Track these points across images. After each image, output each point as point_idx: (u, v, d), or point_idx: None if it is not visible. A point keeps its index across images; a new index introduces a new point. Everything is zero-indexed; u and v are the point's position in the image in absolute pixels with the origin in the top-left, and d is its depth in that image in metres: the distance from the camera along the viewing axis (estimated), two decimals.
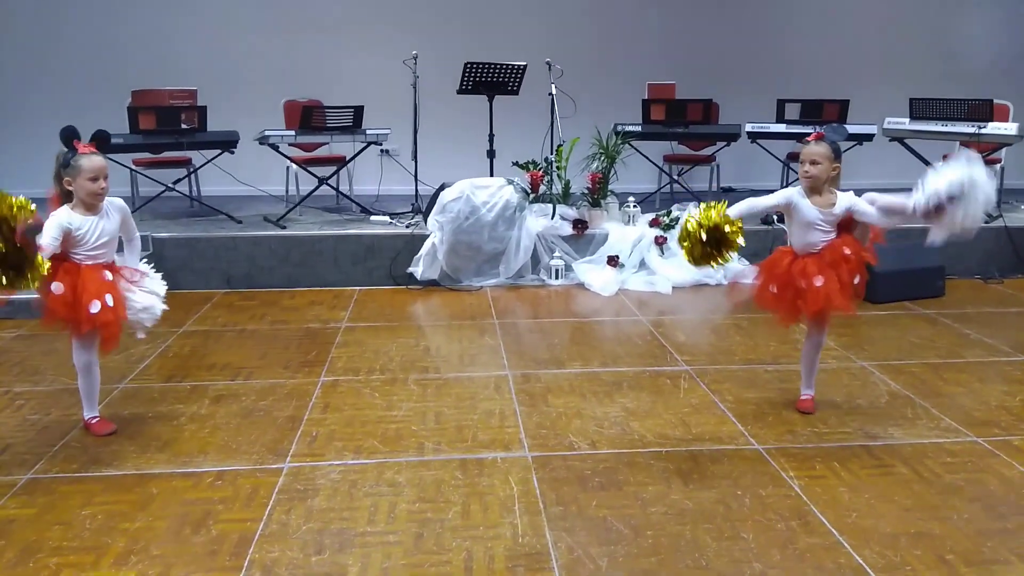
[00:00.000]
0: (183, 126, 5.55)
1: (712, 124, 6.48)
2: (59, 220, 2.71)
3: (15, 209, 2.34)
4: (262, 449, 2.88)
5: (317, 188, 6.06)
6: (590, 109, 5.96)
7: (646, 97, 6.82)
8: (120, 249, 2.97)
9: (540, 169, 5.64)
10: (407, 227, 5.49)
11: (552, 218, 5.52)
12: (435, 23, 7.39)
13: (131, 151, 5.74)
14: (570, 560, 2.20)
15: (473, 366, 3.79)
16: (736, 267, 5.45)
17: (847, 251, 2.91)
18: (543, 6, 7.63)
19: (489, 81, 5.92)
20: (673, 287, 5.24)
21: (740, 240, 2.84)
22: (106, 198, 2.83)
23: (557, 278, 5.40)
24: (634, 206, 5.79)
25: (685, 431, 3.04)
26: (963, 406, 3.29)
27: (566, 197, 5.71)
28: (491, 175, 5.85)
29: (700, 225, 2.81)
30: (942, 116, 5.91)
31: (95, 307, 2.71)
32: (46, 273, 2.49)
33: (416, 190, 6.00)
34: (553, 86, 5.77)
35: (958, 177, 2.73)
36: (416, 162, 5.93)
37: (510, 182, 5.51)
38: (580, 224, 5.54)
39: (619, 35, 7.74)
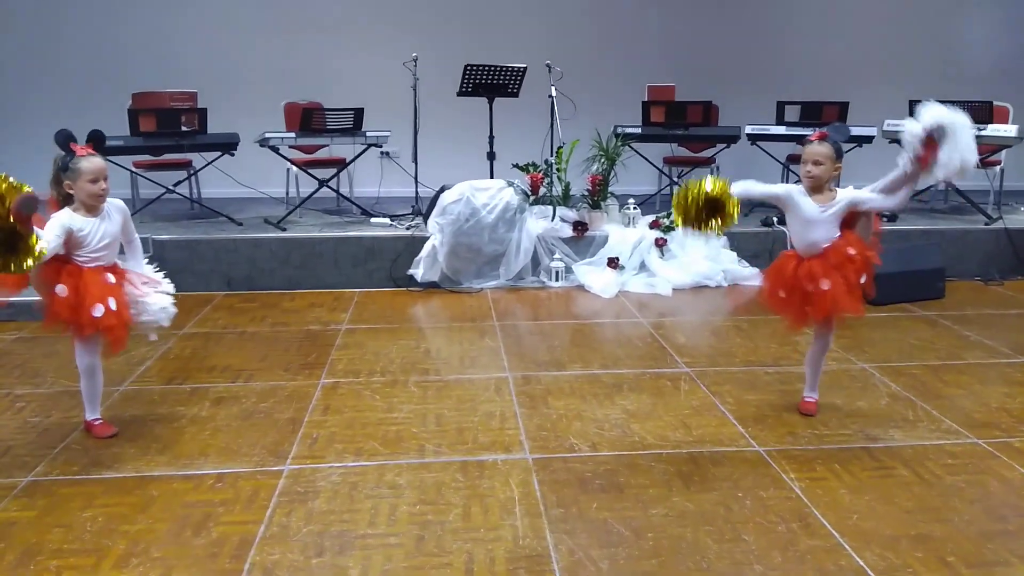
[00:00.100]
0: (183, 128, 5.55)
1: (712, 126, 6.48)
2: (61, 220, 2.71)
3: (5, 187, 2.33)
4: (263, 451, 2.88)
5: (317, 190, 6.06)
6: (590, 111, 5.97)
7: (646, 99, 6.83)
8: (120, 251, 2.97)
9: (540, 171, 5.64)
10: (407, 229, 5.50)
11: (552, 220, 5.52)
12: (435, 25, 7.40)
13: (131, 153, 5.75)
14: (571, 562, 2.20)
15: (473, 368, 3.79)
16: (737, 269, 5.49)
17: (851, 251, 2.90)
18: (543, 8, 7.64)
19: (489, 83, 5.93)
20: (673, 289, 5.24)
21: (735, 218, 2.89)
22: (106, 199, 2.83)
23: (557, 280, 5.40)
24: (634, 208, 5.80)
25: (686, 433, 3.04)
26: (964, 408, 3.29)
27: (566, 199, 5.71)
28: (491, 177, 5.85)
29: (702, 192, 2.82)
30: None
31: (98, 311, 2.71)
32: (38, 254, 2.44)
33: (416, 192, 6.00)
34: (553, 88, 5.77)
35: (932, 117, 2.75)
36: (416, 164, 5.94)
37: (510, 184, 5.52)
38: (580, 226, 5.54)
39: (619, 37, 7.75)
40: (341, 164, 6.31)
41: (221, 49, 7.23)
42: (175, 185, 5.94)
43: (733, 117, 6.72)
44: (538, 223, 5.48)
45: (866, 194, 2.92)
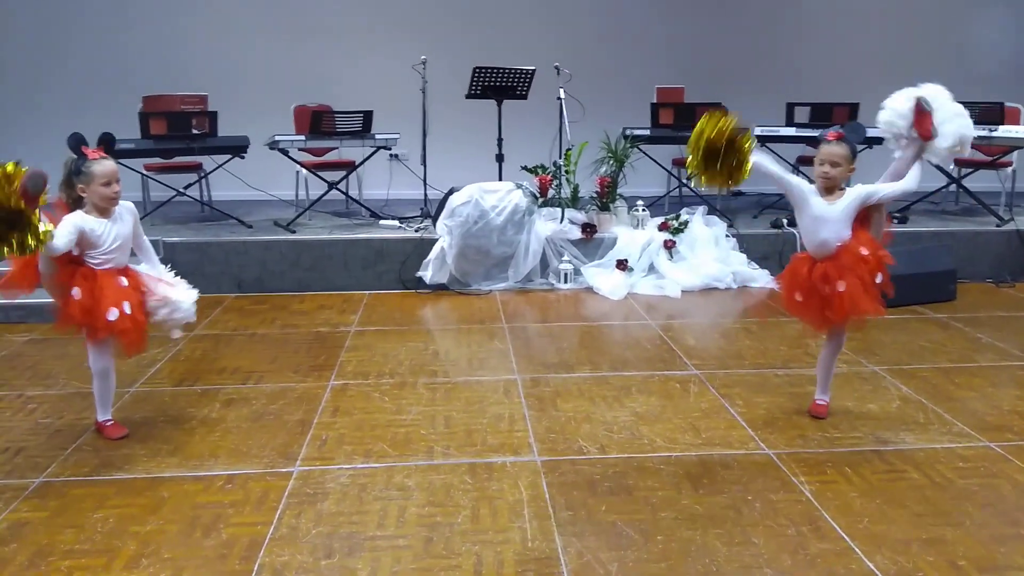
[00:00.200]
0: (194, 131, 5.59)
1: None
2: (74, 220, 2.73)
3: (11, 169, 2.35)
4: (272, 453, 2.89)
5: (327, 193, 6.09)
6: (599, 113, 5.96)
7: (655, 101, 6.82)
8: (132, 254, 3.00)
9: (549, 173, 5.64)
10: (416, 231, 5.50)
11: (561, 222, 5.52)
12: (444, 28, 7.42)
13: (142, 156, 5.78)
14: (580, 565, 2.20)
15: (482, 370, 3.79)
16: (746, 271, 5.47)
17: (864, 251, 2.88)
18: (551, 10, 7.64)
19: (498, 85, 5.94)
20: (682, 291, 5.23)
21: (746, 172, 2.81)
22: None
23: (566, 282, 5.40)
24: (643, 210, 5.79)
25: (695, 436, 3.04)
26: (975, 411, 3.27)
27: (575, 201, 5.71)
28: (500, 179, 5.86)
29: (723, 131, 2.82)
30: None
31: (113, 314, 2.73)
32: (43, 234, 2.45)
33: (425, 194, 6.01)
34: (562, 90, 5.77)
35: (909, 93, 2.92)
36: (425, 166, 5.95)
37: (519, 186, 5.52)
38: (589, 228, 5.54)
39: (627, 39, 7.75)
40: (350, 167, 6.33)
41: (231, 52, 7.27)
42: (186, 188, 5.97)
43: (742, 118, 6.69)
44: (547, 225, 5.48)
45: (878, 186, 2.92)
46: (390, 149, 6.16)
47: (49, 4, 7.15)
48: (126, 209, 2.89)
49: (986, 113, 5.75)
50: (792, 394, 3.45)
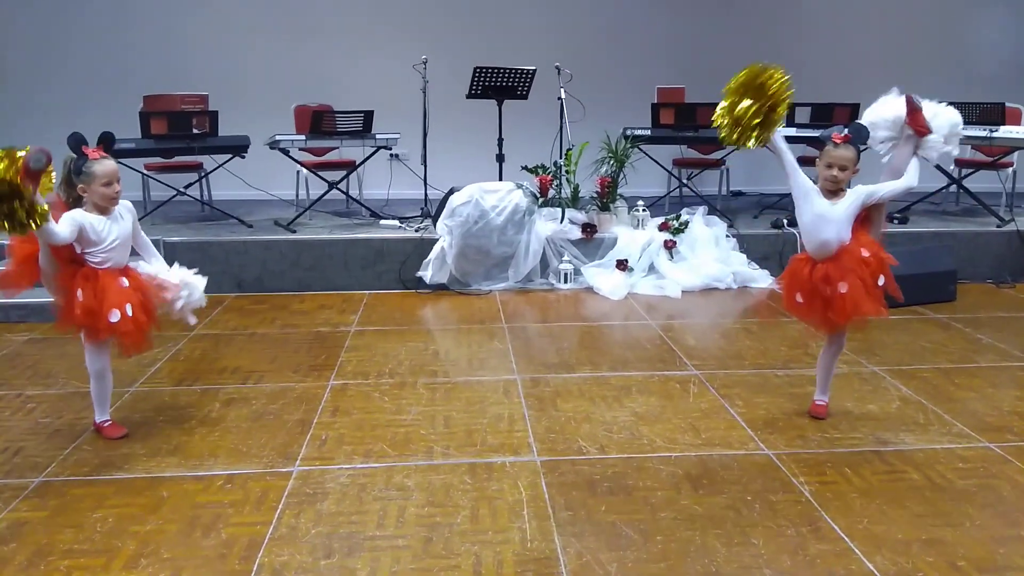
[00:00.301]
0: (194, 131, 5.59)
1: None
2: (73, 215, 2.74)
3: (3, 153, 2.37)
4: (272, 453, 2.89)
5: (327, 192, 6.09)
6: (599, 113, 5.96)
7: (655, 101, 6.81)
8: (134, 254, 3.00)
9: (549, 173, 5.64)
10: (416, 231, 5.50)
11: (561, 222, 5.52)
12: (445, 28, 7.42)
13: (143, 156, 5.79)
14: (579, 565, 2.20)
15: (482, 370, 3.79)
16: (746, 271, 5.47)
17: (865, 253, 2.88)
18: (552, 10, 7.64)
19: (498, 85, 5.94)
20: (682, 291, 5.23)
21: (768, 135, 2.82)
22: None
23: (566, 282, 5.39)
24: (643, 210, 5.78)
25: (695, 436, 3.03)
26: (975, 411, 3.27)
27: (575, 201, 5.71)
28: (500, 179, 5.86)
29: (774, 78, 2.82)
30: None
31: (115, 316, 2.74)
32: (40, 212, 2.46)
33: (425, 194, 6.01)
34: (562, 90, 5.77)
35: (888, 101, 3.03)
36: (425, 166, 5.95)
37: (519, 186, 5.52)
38: (589, 228, 5.54)
39: (628, 39, 7.74)
40: (351, 166, 6.33)
41: (232, 52, 7.27)
42: (186, 187, 5.97)
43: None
44: (547, 225, 5.48)
45: (878, 185, 2.92)
46: (390, 149, 6.16)
47: (50, 4, 7.15)
48: (125, 208, 2.90)
49: (987, 114, 5.75)
50: (792, 395, 3.44)
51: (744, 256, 5.57)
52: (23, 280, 2.83)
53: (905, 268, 4.59)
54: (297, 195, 6.44)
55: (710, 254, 5.49)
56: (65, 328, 2.86)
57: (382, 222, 5.83)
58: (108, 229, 2.81)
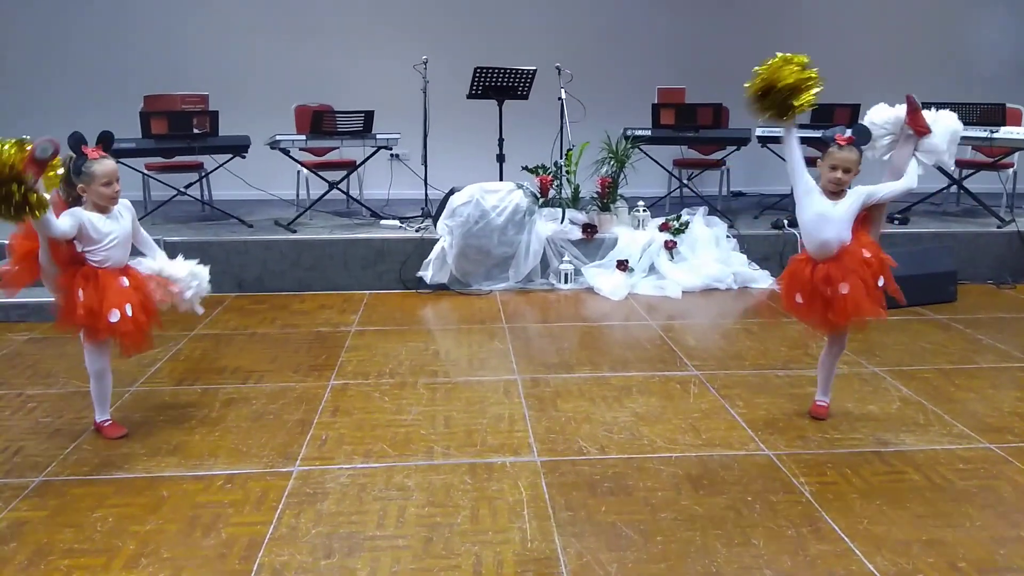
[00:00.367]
0: (195, 131, 5.59)
1: (722, 128, 6.45)
2: (75, 211, 2.75)
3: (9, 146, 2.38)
4: (272, 452, 2.89)
5: (327, 192, 6.09)
6: (600, 113, 5.96)
7: (656, 101, 6.82)
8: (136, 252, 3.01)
9: (549, 173, 5.64)
10: (417, 231, 5.50)
11: (561, 222, 5.52)
12: (445, 28, 7.42)
13: (143, 155, 5.79)
14: (579, 566, 2.20)
15: (482, 370, 3.79)
16: (747, 272, 5.47)
17: (866, 254, 2.88)
18: (553, 10, 7.64)
19: (499, 86, 5.93)
20: (683, 291, 5.23)
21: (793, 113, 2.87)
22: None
23: (566, 282, 5.39)
24: (644, 210, 5.78)
25: (695, 436, 3.03)
26: (976, 412, 3.27)
27: (575, 201, 5.71)
28: (500, 179, 5.86)
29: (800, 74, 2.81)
30: None
31: (114, 316, 2.74)
32: (36, 201, 2.46)
33: (426, 194, 6.01)
34: (563, 90, 5.77)
35: (883, 107, 3.06)
36: (426, 166, 5.95)
37: (520, 186, 5.52)
38: (589, 228, 5.54)
39: (629, 39, 7.74)
40: (351, 166, 6.33)
41: (232, 52, 7.27)
42: (186, 187, 5.97)
43: (743, 119, 6.61)
44: (547, 225, 5.48)
45: (877, 185, 2.93)
46: (391, 149, 6.16)
47: (50, 4, 7.15)
48: (123, 206, 2.90)
49: (987, 114, 5.74)
50: (792, 395, 3.44)
51: (744, 257, 5.57)
52: (23, 278, 2.83)
53: (905, 269, 4.59)
54: (297, 195, 6.44)
55: (710, 255, 5.49)
56: (65, 328, 2.86)
57: (382, 222, 5.83)
58: (108, 227, 2.81)
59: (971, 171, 6.40)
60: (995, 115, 5.71)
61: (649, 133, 6.19)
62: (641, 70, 7.51)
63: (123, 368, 3.56)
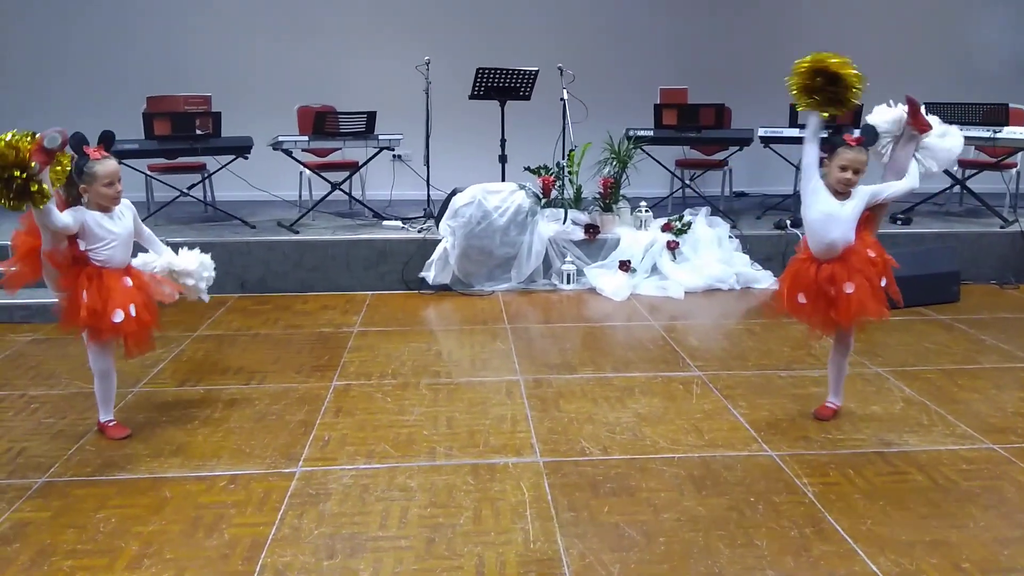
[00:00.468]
0: (198, 132, 5.59)
1: (724, 129, 6.45)
2: (78, 208, 2.77)
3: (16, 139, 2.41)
4: (275, 453, 2.89)
5: (330, 193, 6.09)
6: (602, 114, 5.96)
7: (658, 102, 6.81)
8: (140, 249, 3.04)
9: (552, 174, 5.64)
10: (419, 232, 5.51)
11: (564, 223, 5.52)
12: (447, 29, 7.42)
13: (146, 157, 5.79)
14: (582, 566, 2.20)
15: (485, 371, 3.79)
16: (749, 272, 5.46)
17: (871, 253, 2.88)
18: (555, 11, 7.64)
19: (501, 86, 5.94)
20: (685, 292, 5.22)
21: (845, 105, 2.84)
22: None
23: (569, 283, 5.39)
24: (646, 211, 5.78)
25: (698, 437, 3.03)
26: (979, 413, 3.26)
27: (578, 202, 5.70)
28: (503, 180, 5.85)
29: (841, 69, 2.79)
30: (957, 121, 5.81)
31: (118, 316, 2.75)
32: (37, 190, 2.48)
33: (428, 195, 6.01)
34: (565, 91, 5.77)
35: (883, 109, 3.08)
36: (428, 167, 5.95)
37: (522, 187, 5.52)
38: (592, 229, 5.53)
39: (631, 40, 7.74)
40: (353, 167, 6.33)
41: (235, 53, 7.28)
42: (189, 188, 5.97)
43: (746, 119, 6.68)
44: (549, 226, 5.48)
45: (881, 185, 2.93)
46: (393, 150, 6.16)
47: (51, 4, 7.17)
48: (124, 206, 2.92)
49: (991, 114, 5.73)
50: (795, 396, 3.44)
51: (747, 257, 5.56)
52: (26, 277, 2.84)
53: (908, 269, 4.60)
54: (300, 196, 6.45)
55: (713, 255, 5.49)
56: (69, 328, 2.87)
57: (385, 223, 5.84)
58: (110, 227, 2.82)
59: (974, 171, 6.39)
60: (998, 115, 5.70)
61: (651, 133, 6.18)
62: (643, 70, 7.51)
63: (126, 369, 3.56)
